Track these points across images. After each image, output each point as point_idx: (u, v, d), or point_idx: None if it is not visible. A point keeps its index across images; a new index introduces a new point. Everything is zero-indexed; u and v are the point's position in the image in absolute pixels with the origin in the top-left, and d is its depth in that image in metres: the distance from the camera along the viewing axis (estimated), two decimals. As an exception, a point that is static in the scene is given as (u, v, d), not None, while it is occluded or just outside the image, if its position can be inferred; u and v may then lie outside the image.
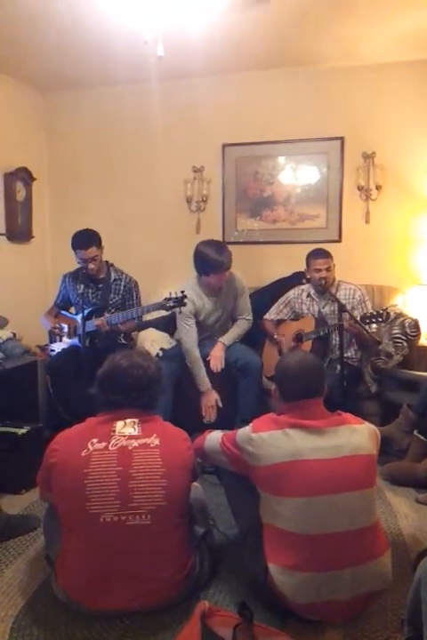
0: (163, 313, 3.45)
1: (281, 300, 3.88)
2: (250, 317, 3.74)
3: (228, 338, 3.62)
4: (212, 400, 3.47)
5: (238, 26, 3.53)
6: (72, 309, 3.88)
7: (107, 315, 3.52)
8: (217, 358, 3.52)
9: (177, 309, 3.24)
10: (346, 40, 3.82)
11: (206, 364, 3.52)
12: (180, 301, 3.18)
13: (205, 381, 3.49)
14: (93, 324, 3.46)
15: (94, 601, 1.88)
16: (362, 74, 4.22)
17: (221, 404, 3.48)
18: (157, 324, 4.04)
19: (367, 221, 4.34)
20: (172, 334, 3.98)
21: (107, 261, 3.73)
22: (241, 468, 2.03)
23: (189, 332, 3.52)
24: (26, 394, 3.69)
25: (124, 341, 3.75)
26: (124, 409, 2.04)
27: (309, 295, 3.74)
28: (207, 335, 3.69)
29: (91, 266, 3.57)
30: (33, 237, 4.74)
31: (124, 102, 4.72)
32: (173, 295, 3.19)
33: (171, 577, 1.93)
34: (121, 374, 2.06)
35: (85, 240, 3.57)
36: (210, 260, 3.39)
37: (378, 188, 4.25)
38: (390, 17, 3.46)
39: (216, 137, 4.56)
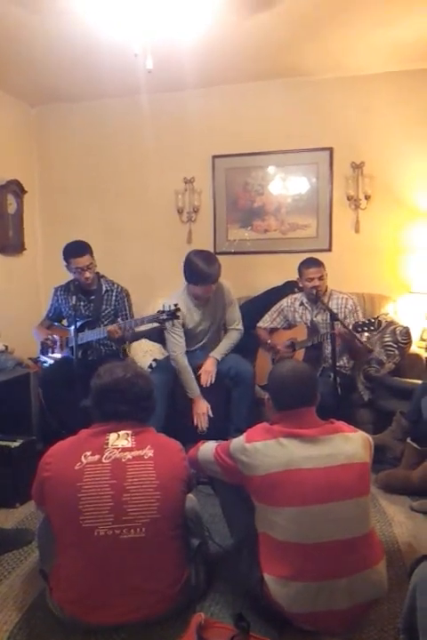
0: (156, 325, 3.45)
1: (274, 308, 3.89)
2: (240, 327, 3.73)
3: (219, 351, 3.61)
4: (203, 408, 3.47)
5: (227, 38, 3.56)
6: (64, 322, 3.87)
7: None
8: (208, 373, 3.52)
9: (169, 323, 3.24)
10: (335, 51, 3.86)
11: (197, 375, 3.53)
12: (173, 314, 3.19)
13: (193, 388, 3.49)
14: (107, 329, 3.44)
15: (90, 615, 1.86)
16: (351, 85, 4.27)
17: (211, 414, 3.47)
18: (149, 335, 4.04)
19: (357, 231, 4.38)
20: (165, 345, 3.98)
21: (98, 273, 3.73)
22: (235, 478, 2.02)
23: (176, 342, 3.52)
24: (18, 406, 3.66)
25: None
26: (118, 421, 2.03)
27: (301, 304, 3.75)
28: (199, 346, 3.69)
29: (87, 274, 3.57)
30: (24, 250, 4.73)
31: (114, 115, 4.74)
32: (167, 308, 3.19)
33: (166, 589, 1.91)
34: (126, 385, 2.05)
35: (80, 248, 3.58)
36: (197, 271, 3.39)
37: (367, 197, 4.30)
38: (378, 28, 3.51)
39: (206, 148, 4.58)
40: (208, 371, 3.53)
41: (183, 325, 3.54)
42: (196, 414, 3.47)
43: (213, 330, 3.71)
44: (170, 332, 3.49)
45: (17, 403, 3.66)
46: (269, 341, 3.78)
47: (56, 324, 3.85)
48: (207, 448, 2.19)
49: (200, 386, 3.51)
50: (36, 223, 5.00)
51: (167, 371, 3.55)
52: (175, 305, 3.22)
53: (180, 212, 4.68)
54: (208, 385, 3.51)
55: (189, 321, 3.58)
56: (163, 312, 3.20)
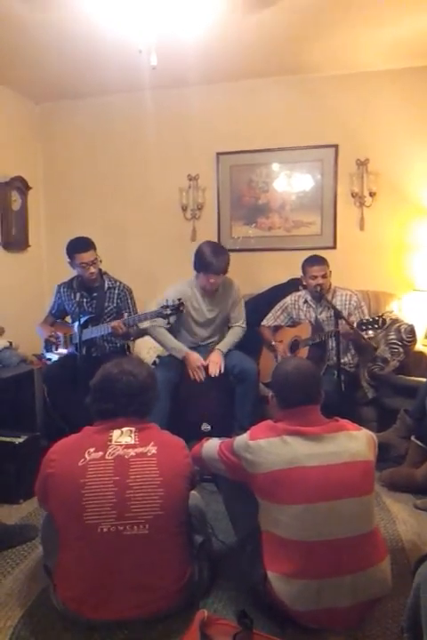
0: (160, 320, 3.45)
1: (278, 306, 3.89)
2: (244, 326, 3.75)
3: (224, 345, 3.62)
4: (197, 360, 3.47)
5: (232, 35, 3.55)
6: (68, 318, 3.88)
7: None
8: (215, 363, 3.51)
9: (173, 317, 3.24)
10: (339, 48, 3.84)
11: (205, 369, 3.50)
12: (177, 309, 3.19)
13: (180, 347, 3.53)
14: (111, 325, 3.44)
15: (93, 611, 1.87)
16: (355, 81, 4.25)
17: (222, 370, 3.46)
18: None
19: (362, 228, 4.37)
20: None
21: (100, 269, 3.73)
22: (239, 475, 2.02)
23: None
24: (23, 403, 3.68)
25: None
26: (119, 417, 2.02)
27: (305, 301, 3.75)
28: (203, 344, 3.70)
29: (91, 270, 3.58)
30: (29, 246, 4.74)
31: (118, 111, 4.74)
32: (170, 303, 3.19)
33: (170, 586, 1.91)
34: (111, 382, 2.05)
35: (84, 243, 3.59)
36: (203, 258, 3.41)
37: (372, 194, 4.28)
38: (383, 25, 3.49)
39: (210, 145, 4.58)
40: (215, 361, 3.51)
41: (187, 314, 3.53)
42: (191, 369, 3.47)
43: (217, 322, 3.71)
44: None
45: (21, 399, 3.68)
46: (272, 342, 3.77)
47: (59, 320, 3.86)
48: (211, 445, 2.19)
49: (206, 378, 3.48)
50: (41, 220, 5.00)
51: (171, 367, 3.55)
52: (179, 299, 3.22)
53: (184, 209, 4.67)
54: (216, 375, 3.48)
55: (194, 306, 3.58)
56: (167, 306, 3.21)
